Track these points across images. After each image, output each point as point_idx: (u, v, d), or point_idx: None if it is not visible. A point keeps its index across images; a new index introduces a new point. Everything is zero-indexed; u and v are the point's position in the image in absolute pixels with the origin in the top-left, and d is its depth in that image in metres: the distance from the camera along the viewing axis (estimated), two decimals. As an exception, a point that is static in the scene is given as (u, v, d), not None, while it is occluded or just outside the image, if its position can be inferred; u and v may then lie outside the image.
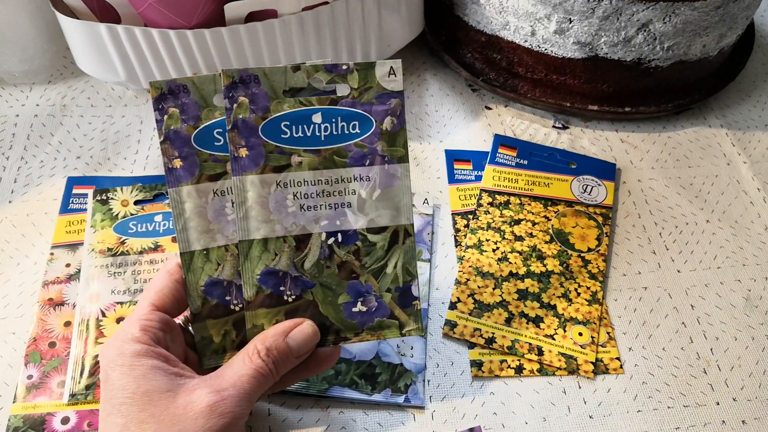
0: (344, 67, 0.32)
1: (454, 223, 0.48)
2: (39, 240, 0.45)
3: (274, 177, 0.32)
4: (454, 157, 0.52)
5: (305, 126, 0.32)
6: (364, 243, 0.33)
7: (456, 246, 0.46)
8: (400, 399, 0.39)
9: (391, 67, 0.33)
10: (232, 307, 0.33)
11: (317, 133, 0.32)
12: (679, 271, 0.46)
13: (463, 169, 0.51)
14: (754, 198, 0.51)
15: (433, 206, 0.48)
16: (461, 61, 0.57)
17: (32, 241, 0.45)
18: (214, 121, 0.32)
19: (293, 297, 0.32)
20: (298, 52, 0.50)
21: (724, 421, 0.39)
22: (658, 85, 0.54)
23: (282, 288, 0.32)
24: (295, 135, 0.32)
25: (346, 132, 0.33)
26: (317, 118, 0.32)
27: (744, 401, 0.40)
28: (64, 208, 0.46)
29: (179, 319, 0.34)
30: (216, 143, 0.32)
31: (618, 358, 0.41)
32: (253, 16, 0.47)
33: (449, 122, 0.55)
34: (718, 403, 0.40)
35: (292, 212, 0.32)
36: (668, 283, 0.45)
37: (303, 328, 0.31)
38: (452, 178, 0.50)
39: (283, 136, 0.32)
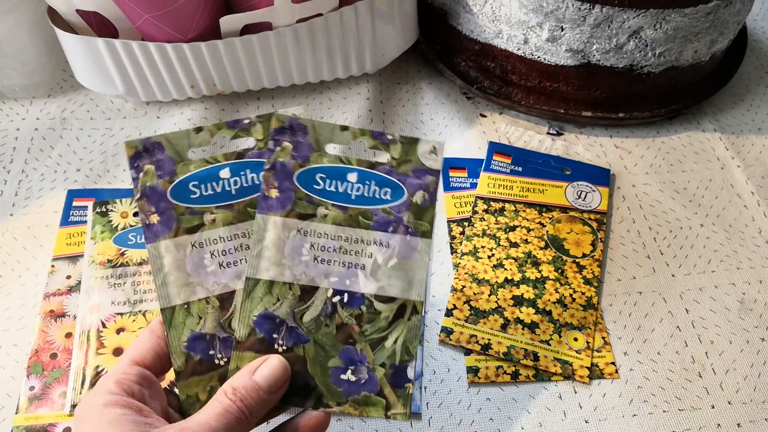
0: (389, 137, 0.33)
1: (450, 230, 0.48)
2: (40, 252, 0.46)
3: (297, 223, 0.32)
4: (449, 164, 0.52)
5: (339, 182, 0.33)
6: (369, 309, 0.32)
7: (452, 253, 0.47)
8: (397, 406, 0.39)
9: (434, 146, 0.34)
10: (216, 361, 0.31)
11: (349, 192, 0.33)
12: (673, 276, 0.46)
13: (459, 177, 0.51)
14: (748, 202, 0.51)
15: (428, 214, 0.49)
16: (455, 69, 0.57)
17: (33, 253, 0.46)
18: (189, 174, 0.32)
19: (284, 348, 0.31)
20: (293, 64, 0.51)
21: (719, 425, 0.39)
22: (651, 90, 0.54)
23: (275, 335, 0.31)
24: (327, 188, 0.33)
25: (377, 196, 0.33)
26: (353, 177, 0.33)
27: (739, 404, 0.40)
28: (65, 221, 0.47)
29: (164, 383, 0.33)
30: (192, 196, 0.32)
31: (613, 363, 0.42)
32: (248, 29, 0.48)
33: (444, 130, 0.55)
34: (713, 407, 0.40)
35: (305, 261, 0.32)
36: (663, 288, 0.46)
37: (269, 362, 0.30)
38: (447, 186, 0.51)
39: (316, 186, 0.33)
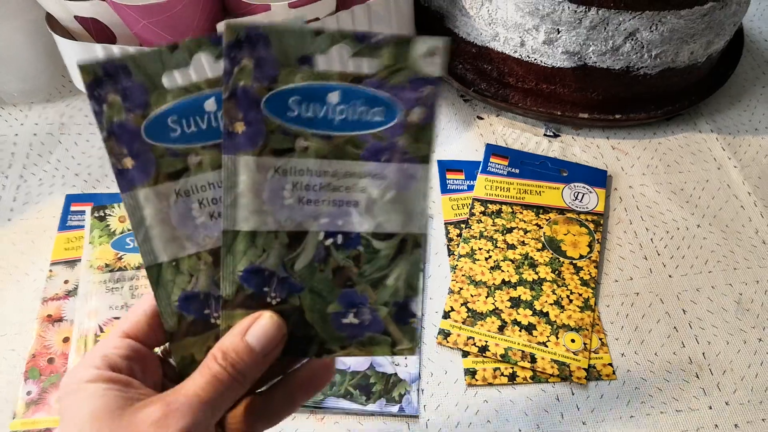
0: (377, 38, 0.27)
1: (447, 232, 0.48)
2: (38, 257, 0.46)
3: (273, 161, 0.27)
4: (446, 167, 0.52)
5: (318, 105, 0.27)
6: (367, 249, 0.29)
7: (449, 255, 0.47)
8: (395, 409, 0.39)
9: (434, 45, 0.27)
10: (212, 321, 0.29)
11: (331, 116, 0.27)
12: (670, 276, 0.46)
13: (456, 179, 0.51)
14: (745, 202, 0.51)
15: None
16: (453, 72, 0.57)
17: (31, 258, 0.46)
18: (166, 107, 0.27)
19: (277, 300, 0.29)
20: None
21: (716, 426, 0.39)
22: (647, 92, 0.54)
23: (266, 289, 0.28)
24: (304, 114, 0.27)
25: (366, 119, 0.28)
26: (334, 97, 0.27)
27: (736, 405, 0.40)
28: (63, 226, 0.47)
29: (160, 351, 0.31)
30: (172, 134, 0.27)
31: (610, 364, 0.42)
32: (245, 33, 0.48)
33: (442, 132, 0.55)
34: (710, 408, 0.40)
35: (289, 205, 0.28)
36: (660, 288, 0.46)
37: (261, 321, 0.28)
38: (445, 188, 0.51)
39: (289, 113, 0.27)
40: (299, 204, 0.28)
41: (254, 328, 0.28)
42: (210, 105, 0.27)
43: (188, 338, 0.29)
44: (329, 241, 0.29)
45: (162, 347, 0.31)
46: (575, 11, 0.48)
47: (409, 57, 0.27)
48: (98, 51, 0.47)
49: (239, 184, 0.27)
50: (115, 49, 0.47)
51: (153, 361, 0.29)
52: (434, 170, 0.52)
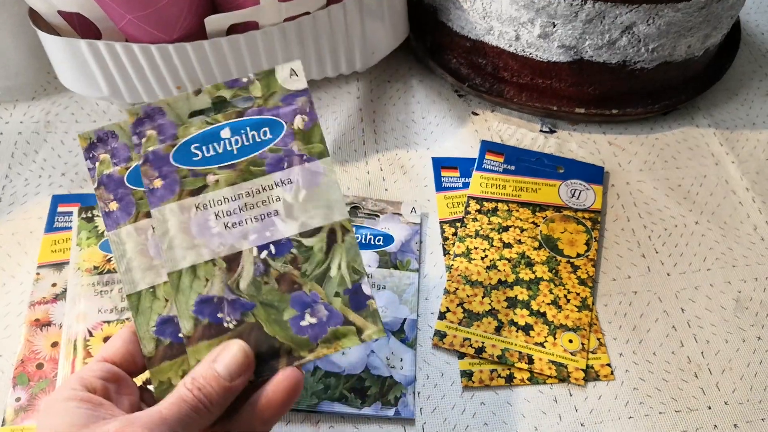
0: (244, 80, 0.32)
1: (442, 231, 0.47)
2: (25, 260, 0.45)
3: (192, 201, 0.31)
4: (441, 164, 0.51)
5: (215, 144, 0.32)
6: (300, 249, 0.31)
7: (444, 255, 0.46)
8: (390, 412, 0.38)
9: (291, 68, 0.32)
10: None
11: (229, 148, 0.32)
12: (668, 275, 0.46)
13: (451, 177, 0.51)
14: (743, 198, 0.51)
15: (420, 215, 0.48)
16: (447, 66, 0.56)
17: (18, 260, 0.45)
18: (190, 136, 0.32)
19: (234, 322, 0.30)
20: (282, 63, 0.50)
21: (716, 426, 0.39)
22: (644, 86, 0.54)
23: (220, 315, 0.30)
24: (206, 155, 0.32)
25: (258, 140, 0.32)
26: (226, 133, 0.32)
27: (735, 404, 0.40)
28: (50, 227, 0.46)
29: (140, 381, 0.32)
30: (194, 158, 0.32)
31: (609, 365, 0.41)
32: (234, 29, 0.47)
33: (436, 129, 0.54)
34: (709, 408, 0.40)
35: (217, 233, 0.31)
36: (658, 287, 0.45)
37: (229, 348, 0.29)
38: (440, 186, 0.50)
39: (194, 158, 0.32)
40: (226, 229, 0.31)
41: (222, 356, 0.29)
42: (225, 133, 0.32)
43: (165, 362, 0.30)
44: (264, 254, 0.31)
45: (144, 379, 0.32)
46: (571, 4, 0.47)
47: (276, 83, 0.32)
48: (83, 47, 0.46)
49: (170, 229, 0.31)
50: (101, 45, 0.46)
51: (128, 383, 0.30)
52: (429, 168, 0.51)
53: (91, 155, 0.32)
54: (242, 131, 0.32)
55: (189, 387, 0.28)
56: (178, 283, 0.30)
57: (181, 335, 0.30)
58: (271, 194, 0.31)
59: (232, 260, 0.31)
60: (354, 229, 0.33)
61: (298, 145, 0.32)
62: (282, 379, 0.29)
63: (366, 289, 0.31)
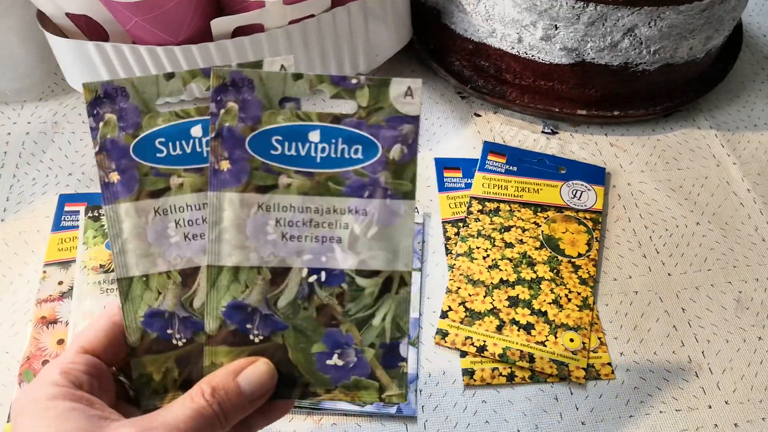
0: (354, 81, 0.28)
1: (445, 231, 0.48)
2: (32, 258, 0.45)
3: (257, 198, 0.28)
4: (443, 165, 0.52)
5: (300, 143, 0.28)
6: (351, 286, 0.29)
7: (447, 254, 0.46)
8: (392, 409, 0.39)
9: (409, 87, 0.28)
10: (174, 341, 0.29)
11: (313, 154, 0.28)
12: (669, 275, 0.46)
13: (453, 177, 0.51)
14: (744, 199, 0.51)
15: (423, 215, 0.48)
16: (450, 68, 0.57)
17: (25, 259, 0.45)
18: (156, 129, 0.28)
19: (261, 338, 0.28)
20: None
21: (716, 425, 0.39)
22: (646, 88, 0.54)
23: (249, 326, 0.28)
24: (287, 152, 0.28)
25: (347, 156, 0.28)
26: (315, 136, 0.28)
27: (736, 404, 0.40)
28: (57, 226, 0.47)
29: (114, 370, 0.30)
30: (158, 155, 0.29)
31: (609, 364, 0.41)
32: (240, 31, 0.47)
33: (438, 130, 0.55)
34: (710, 407, 0.40)
35: (272, 240, 0.28)
36: (659, 287, 0.45)
37: (257, 366, 0.27)
38: (442, 186, 0.50)
39: (273, 152, 0.28)
40: (282, 240, 0.28)
41: (249, 372, 0.27)
42: (197, 131, 0.28)
43: (149, 355, 0.29)
44: (313, 278, 0.29)
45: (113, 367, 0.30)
46: (573, 7, 0.47)
47: (387, 98, 0.28)
48: (90, 49, 0.47)
49: (224, 219, 0.28)
50: (108, 47, 0.46)
51: (108, 379, 0.28)
52: (431, 168, 0.52)
53: (95, 112, 0.28)
54: (333, 140, 0.28)
55: (209, 399, 0.26)
56: (216, 280, 0.28)
57: (169, 332, 0.29)
58: (341, 219, 0.28)
59: (279, 274, 0.28)
60: (413, 284, 0.31)
61: (386, 177, 0.28)
62: (282, 404, 0.29)
63: (403, 350, 0.29)
